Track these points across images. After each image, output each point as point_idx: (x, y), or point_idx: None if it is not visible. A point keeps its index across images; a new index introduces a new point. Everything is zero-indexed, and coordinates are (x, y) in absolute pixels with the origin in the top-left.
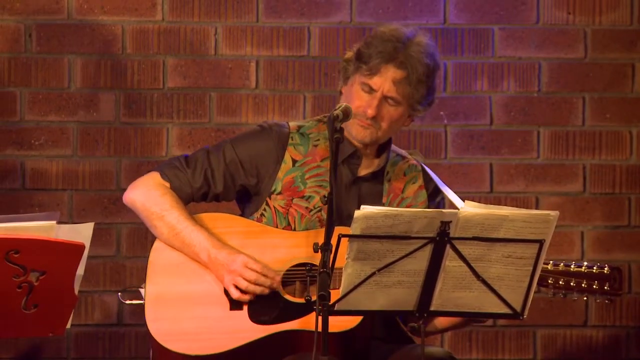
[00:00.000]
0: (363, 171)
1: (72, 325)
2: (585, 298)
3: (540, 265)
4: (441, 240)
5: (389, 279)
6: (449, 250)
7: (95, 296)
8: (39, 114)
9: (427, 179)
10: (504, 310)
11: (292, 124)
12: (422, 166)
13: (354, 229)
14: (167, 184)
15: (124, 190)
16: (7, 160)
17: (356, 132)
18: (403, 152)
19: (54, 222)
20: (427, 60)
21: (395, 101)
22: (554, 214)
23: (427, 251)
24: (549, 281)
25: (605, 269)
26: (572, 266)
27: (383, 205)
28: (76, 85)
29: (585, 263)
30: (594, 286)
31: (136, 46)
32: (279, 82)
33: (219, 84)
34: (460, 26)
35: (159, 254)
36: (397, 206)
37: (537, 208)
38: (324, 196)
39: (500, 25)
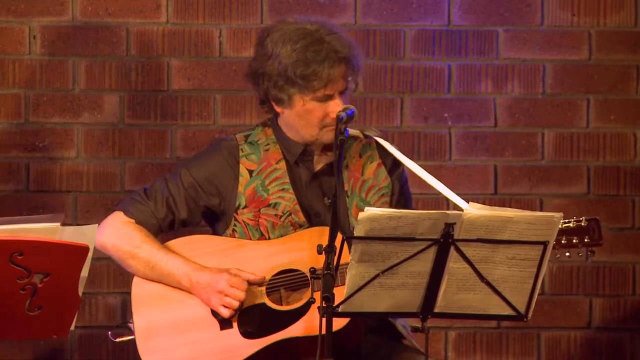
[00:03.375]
0: (318, 165)
1: (75, 327)
2: (567, 254)
3: (545, 267)
4: (445, 242)
5: (393, 281)
6: (453, 252)
7: (99, 298)
8: (44, 115)
9: (384, 154)
10: (508, 312)
11: (239, 136)
12: (375, 142)
13: (358, 230)
14: (132, 220)
15: (129, 192)
16: (12, 162)
17: (331, 137)
18: (355, 132)
19: (58, 223)
20: (348, 38)
21: (348, 89)
22: (558, 215)
23: (431, 253)
24: None
25: (583, 221)
26: None
27: (346, 192)
28: (80, 87)
29: (562, 220)
30: (574, 240)
31: (140, 48)
32: None
33: (224, 85)
34: (464, 28)
35: (140, 287)
36: (360, 189)
37: (541, 210)
38: (328, 198)
39: (504, 27)
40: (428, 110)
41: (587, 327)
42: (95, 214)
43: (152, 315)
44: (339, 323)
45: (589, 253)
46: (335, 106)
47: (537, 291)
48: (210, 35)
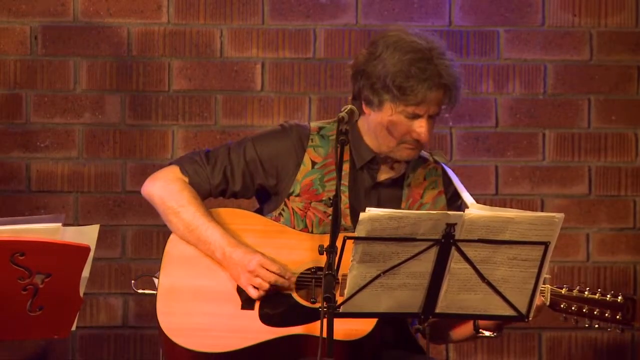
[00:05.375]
0: (382, 176)
1: (77, 327)
2: (597, 325)
3: (546, 268)
4: (446, 242)
5: (394, 281)
6: (454, 252)
7: (100, 298)
8: (45, 116)
9: (447, 183)
10: (509, 312)
11: (313, 125)
12: (442, 169)
13: (359, 231)
14: (186, 179)
15: (129, 192)
16: (13, 163)
17: (405, 154)
18: (424, 153)
19: (60, 224)
20: (456, 68)
21: (438, 114)
22: (559, 216)
23: (433, 253)
24: (562, 306)
25: (619, 298)
26: (586, 292)
27: (402, 209)
28: (82, 88)
29: (599, 290)
30: (607, 314)
31: (142, 48)
32: (285, 84)
33: (225, 86)
34: (465, 28)
35: (175, 245)
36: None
37: (542, 210)
38: (329, 198)
39: (505, 27)
40: None
41: (588, 328)
42: (96, 214)
43: (179, 277)
44: (356, 333)
45: (618, 331)
46: (420, 127)
47: (539, 291)
48: (212, 36)
